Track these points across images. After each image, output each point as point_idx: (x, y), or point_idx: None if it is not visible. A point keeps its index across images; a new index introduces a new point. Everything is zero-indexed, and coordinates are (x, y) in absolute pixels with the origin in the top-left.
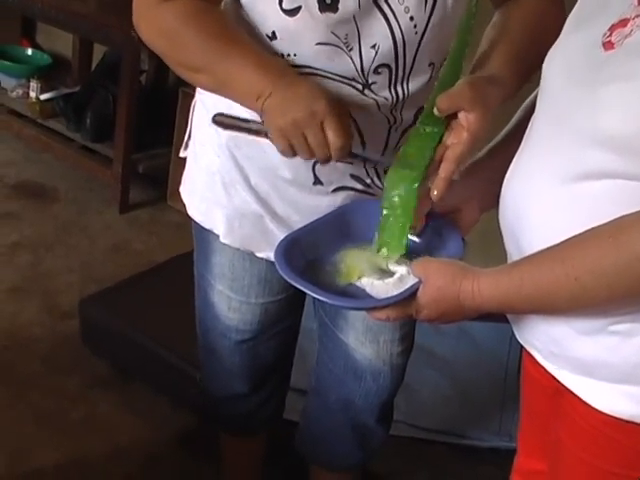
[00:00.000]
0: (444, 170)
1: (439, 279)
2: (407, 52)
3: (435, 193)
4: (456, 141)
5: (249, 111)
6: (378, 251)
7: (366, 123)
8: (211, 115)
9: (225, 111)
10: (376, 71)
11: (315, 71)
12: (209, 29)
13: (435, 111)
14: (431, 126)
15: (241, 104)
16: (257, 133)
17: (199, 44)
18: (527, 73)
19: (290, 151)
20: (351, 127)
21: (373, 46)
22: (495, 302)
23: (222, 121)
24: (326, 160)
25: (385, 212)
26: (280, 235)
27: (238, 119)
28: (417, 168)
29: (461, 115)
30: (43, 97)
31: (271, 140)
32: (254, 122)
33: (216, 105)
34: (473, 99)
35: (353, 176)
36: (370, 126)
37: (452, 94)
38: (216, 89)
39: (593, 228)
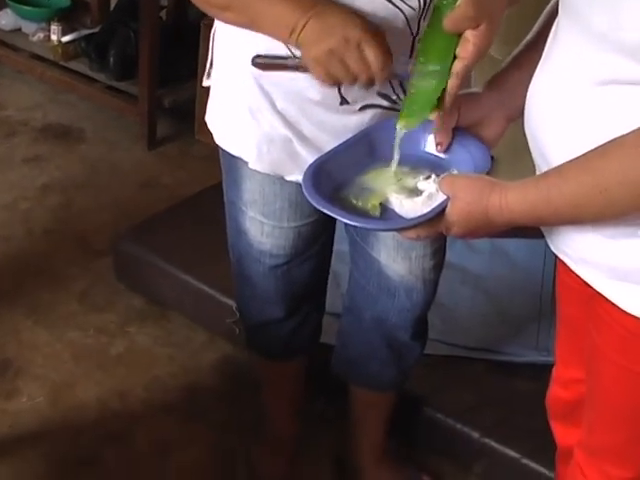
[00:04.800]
0: (450, 84)
1: (467, 195)
2: None
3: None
4: (462, 55)
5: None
6: (400, 119)
7: (391, 38)
8: (232, 42)
9: (248, 37)
10: None
11: None
12: None
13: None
14: None
15: (274, 38)
16: (296, 68)
17: None
18: None
19: (331, 80)
20: (388, 45)
21: None
22: (524, 215)
23: (261, 62)
24: (370, 83)
25: (413, 87)
26: (309, 158)
27: (276, 57)
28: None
29: (467, 31)
30: (64, 39)
31: (310, 72)
32: (291, 58)
33: (238, 33)
34: (476, 17)
35: (380, 93)
36: (396, 41)
37: (455, 17)
38: (246, 26)
39: (617, 138)
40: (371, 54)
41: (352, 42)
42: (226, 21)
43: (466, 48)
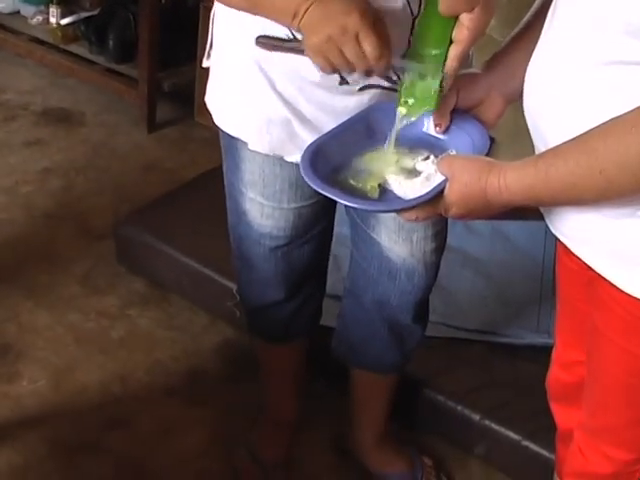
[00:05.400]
0: (447, 68)
1: (465, 176)
2: None
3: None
4: (458, 39)
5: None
6: (400, 106)
7: (392, 19)
8: (232, 23)
9: (248, 17)
10: None
11: None
12: None
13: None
14: None
15: (277, 23)
16: (298, 51)
17: None
18: None
19: (329, 68)
20: (388, 37)
21: None
22: (522, 196)
23: (264, 42)
24: (367, 73)
25: (411, 72)
26: (309, 139)
27: (279, 39)
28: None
29: (462, 15)
30: (64, 22)
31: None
32: (294, 41)
33: (238, 14)
34: (471, 0)
35: None
36: (396, 22)
37: (450, 1)
38: (249, 10)
39: (615, 118)
40: (368, 46)
41: (350, 32)
42: (229, 5)
43: (462, 32)
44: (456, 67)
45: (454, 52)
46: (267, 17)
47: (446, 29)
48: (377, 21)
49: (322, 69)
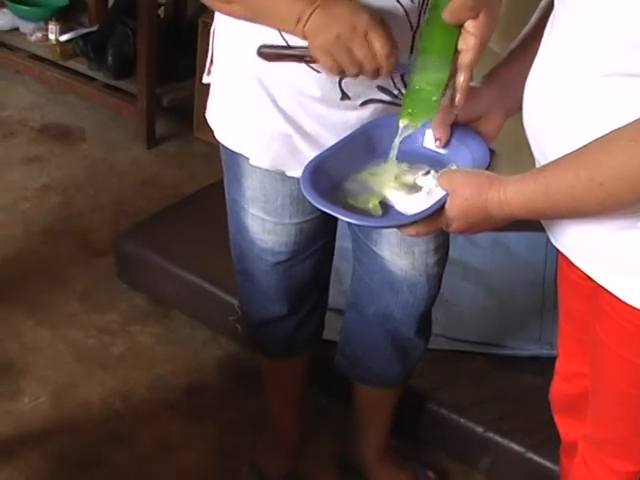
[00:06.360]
0: (459, 80)
1: (466, 190)
2: None
3: (456, 103)
4: (465, 47)
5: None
6: (402, 117)
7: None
8: (233, 38)
9: (249, 33)
10: None
11: None
12: None
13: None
14: None
15: (281, 30)
16: (302, 58)
17: None
18: None
19: (337, 68)
20: (393, 37)
21: None
22: (523, 210)
23: (267, 53)
24: (376, 73)
25: (414, 83)
26: (309, 154)
27: (281, 47)
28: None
29: (467, 22)
30: (62, 38)
31: (317, 62)
32: (297, 48)
33: (239, 29)
34: (475, 6)
35: (380, 88)
36: (396, 35)
37: (454, 8)
38: (252, 18)
39: (615, 130)
40: (377, 43)
41: (359, 30)
42: (230, 14)
43: (468, 41)
44: (469, 78)
45: (464, 61)
46: (270, 25)
47: (450, 40)
48: (384, 22)
49: (329, 71)
